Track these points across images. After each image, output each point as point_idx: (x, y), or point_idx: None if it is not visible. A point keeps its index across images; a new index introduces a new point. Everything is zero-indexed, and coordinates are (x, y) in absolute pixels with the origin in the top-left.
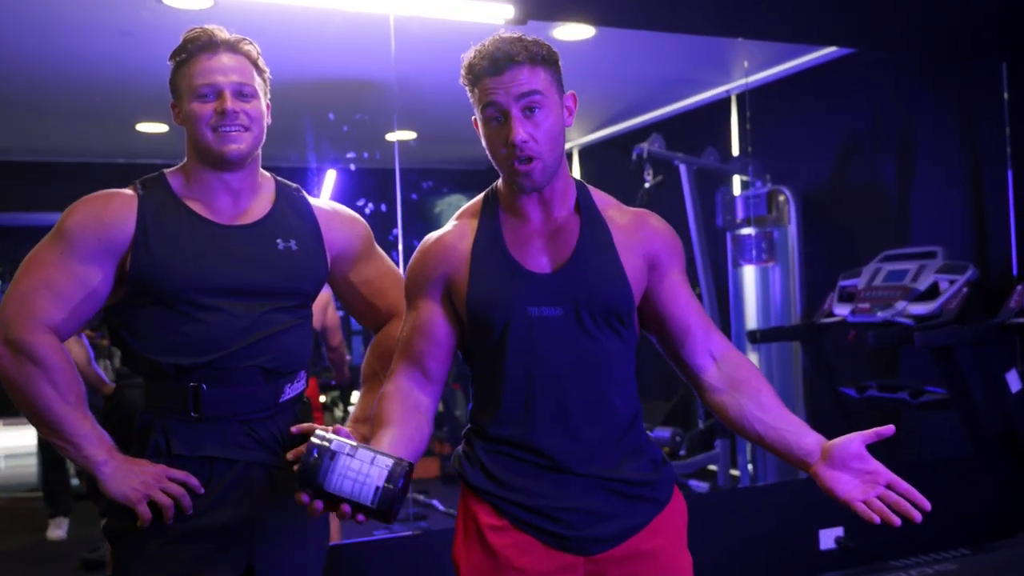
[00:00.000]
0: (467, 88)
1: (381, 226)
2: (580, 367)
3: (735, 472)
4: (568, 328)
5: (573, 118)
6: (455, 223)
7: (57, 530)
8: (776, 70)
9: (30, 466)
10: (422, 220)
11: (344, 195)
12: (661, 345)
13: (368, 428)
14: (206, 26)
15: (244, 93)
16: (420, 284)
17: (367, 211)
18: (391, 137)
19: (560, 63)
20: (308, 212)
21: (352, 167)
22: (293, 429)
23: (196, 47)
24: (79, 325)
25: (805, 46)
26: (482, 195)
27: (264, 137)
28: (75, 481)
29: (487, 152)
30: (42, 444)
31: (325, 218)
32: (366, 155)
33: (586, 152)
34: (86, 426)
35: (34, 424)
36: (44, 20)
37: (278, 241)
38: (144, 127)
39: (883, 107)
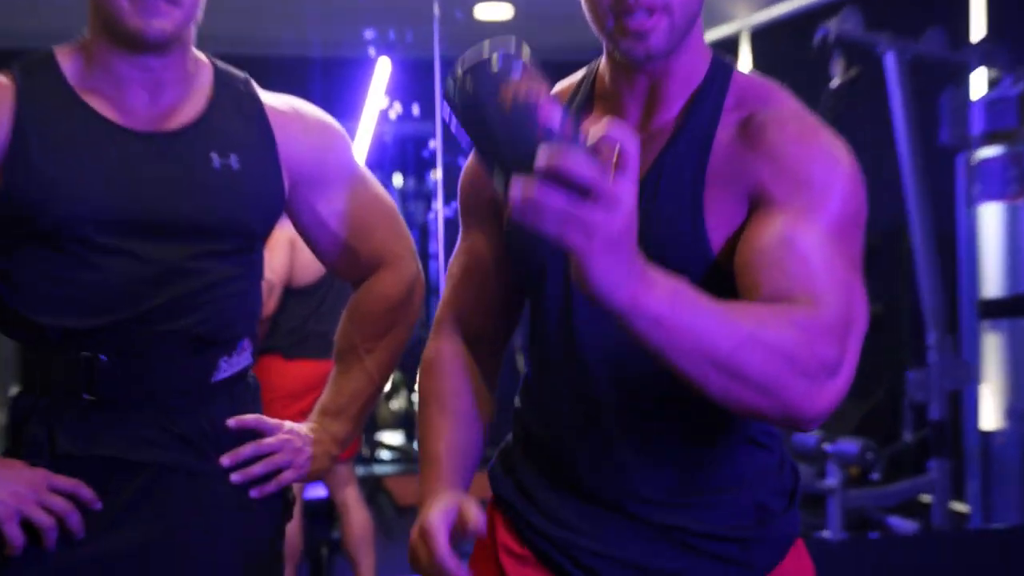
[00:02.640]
0: None
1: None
2: (629, 364)
3: (960, 506)
4: None
5: None
6: None
7: None
8: None
9: None
10: None
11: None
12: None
13: (340, 424)
14: None
15: None
16: (472, 199)
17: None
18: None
19: None
20: (258, 113)
21: (371, 51)
22: (230, 422)
23: None
24: None
25: None
26: (581, 73)
27: (199, 10)
28: None
29: (583, 4)
30: None
31: (283, 122)
32: (408, 35)
33: (759, 36)
34: None
35: None
36: None
37: (213, 155)
38: None
39: None
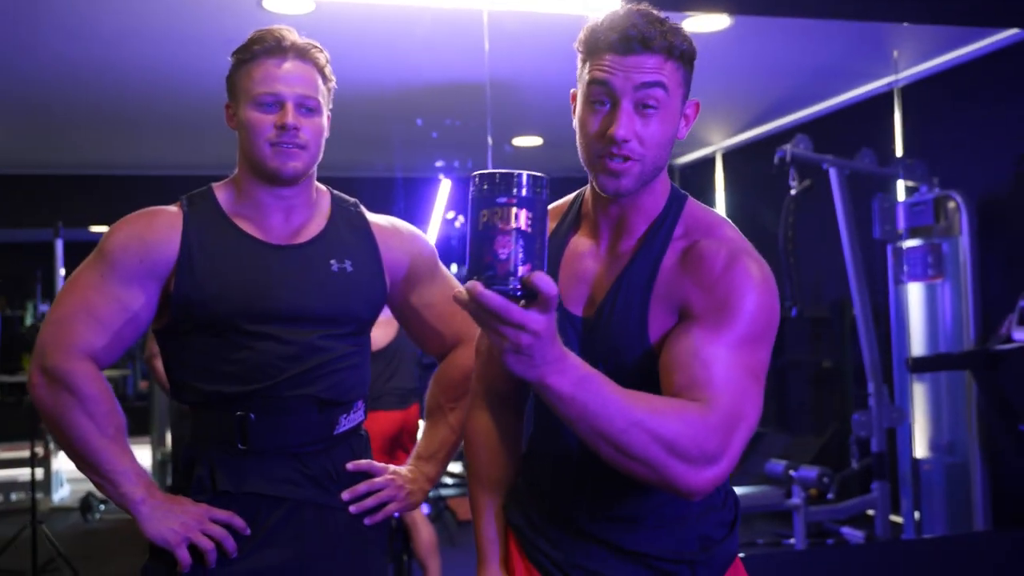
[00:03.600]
0: (579, 56)
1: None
2: None
3: (896, 519)
4: None
5: (688, 130)
6: None
7: None
8: (944, 59)
9: None
10: None
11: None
12: None
13: (432, 466)
14: (275, 27)
15: (308, 106)
16: None
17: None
18: (517, 142)
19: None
20: (365, 229)
21: (440, 176)
22: (349, 466)
23: (262, 49)
24: (121, 352)
25: (978, 30)
26: (574, 194)
27: (322, 154)
28: None
29: (577, 136)
30: (155, 467)
31: (384, 236)
32: (469, 163)
33: (730, 157)
34: (124, 461)
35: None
36: (148, 31)
37: (332, 262)
38: None
39: None
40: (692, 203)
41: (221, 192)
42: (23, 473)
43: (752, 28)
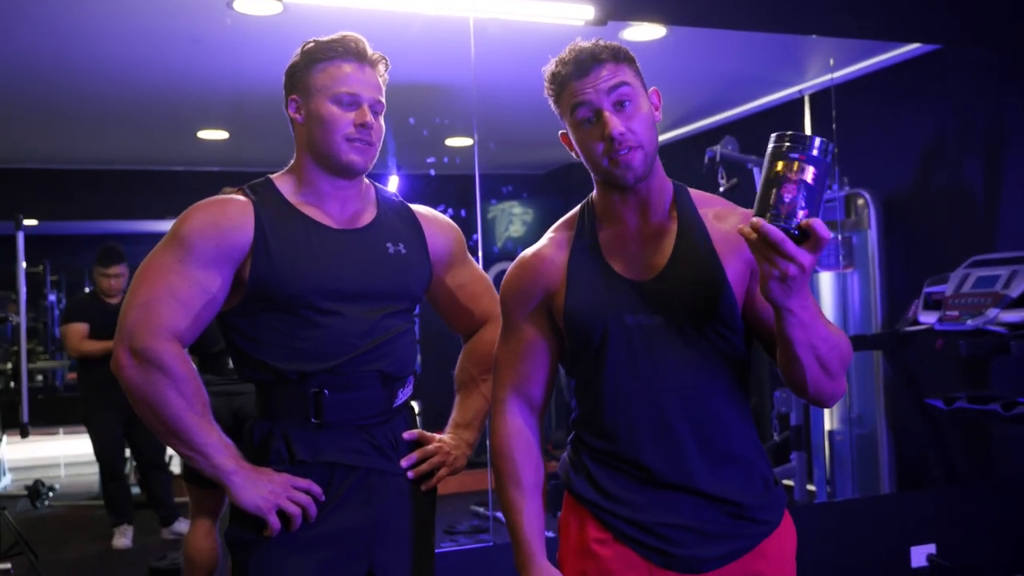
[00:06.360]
0: (552, 99)
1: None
2: (682, 378)
3: (811, 487)
4: (668, 337)
5: (660, 112)
6: (551, 235)
7: (123, 539)
8: (854, 68)
9: (91, 474)
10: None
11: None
12: (768, 353)
13: (470, 433)
14: (350, 35)
15: (377, 110)
16: (521, 302)
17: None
18: (453, 143)
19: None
20: (411, 217)
21: (432, 172)
22: (405, 435)
23: (345, 52)
24: (199, 332)
25: (885, 43)
26: (578, 207)
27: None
28: (135, 490)
29: (582, 158)
30: (99, 453)
31: (426, 223)
32: (434, 160)
33: (664, 152)
34: (214, 436)
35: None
36: (117, 26)
37: (388, 245)
38: (205, 134)
39: (969, 105)
40: (689, 188)
41: (281, 182)
42: None
43: (685, 38)
